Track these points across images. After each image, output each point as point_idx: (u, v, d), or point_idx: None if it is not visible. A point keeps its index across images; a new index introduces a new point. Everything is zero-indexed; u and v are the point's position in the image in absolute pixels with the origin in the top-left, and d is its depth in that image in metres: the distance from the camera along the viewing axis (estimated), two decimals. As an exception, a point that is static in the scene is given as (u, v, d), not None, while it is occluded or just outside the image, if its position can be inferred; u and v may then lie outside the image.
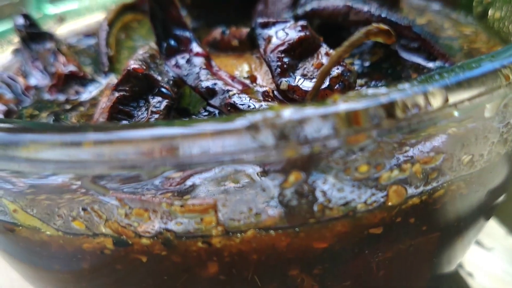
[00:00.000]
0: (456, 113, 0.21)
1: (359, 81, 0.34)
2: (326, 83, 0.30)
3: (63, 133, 0.20)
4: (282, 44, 0.33)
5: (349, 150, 0.21)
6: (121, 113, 0.31)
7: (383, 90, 0.20)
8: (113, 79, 0.37)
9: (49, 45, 0.42)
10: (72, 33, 0.51)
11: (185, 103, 0.34)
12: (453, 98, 0.20)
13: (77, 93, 0.37)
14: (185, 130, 0.19)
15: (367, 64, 0.37)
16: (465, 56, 0.37)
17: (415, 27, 0.37)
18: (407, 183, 0.23)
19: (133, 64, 0.32)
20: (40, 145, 0.19)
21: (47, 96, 0.38)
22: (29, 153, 0.20)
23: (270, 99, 0.31)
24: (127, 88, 0.32)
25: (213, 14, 0.47)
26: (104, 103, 0.32)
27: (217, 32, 0.39)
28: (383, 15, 0.37)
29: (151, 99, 0.32)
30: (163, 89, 0.32)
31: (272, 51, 0.33)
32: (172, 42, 0.35)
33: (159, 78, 0.33)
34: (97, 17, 0.54)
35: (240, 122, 0.19)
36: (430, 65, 0.35)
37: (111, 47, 0.43)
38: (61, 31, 0.51)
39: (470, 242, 0.37)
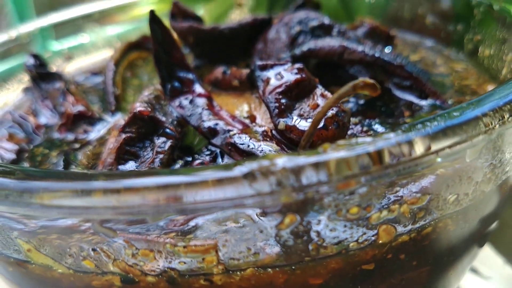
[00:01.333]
0: (439, 159, 0.22)
1: (353, 119, 0.35)
2: (322, 123, 0.32)
3: (74, 181, 0.22)
4: (279, 86, 0.34)
5: (340, 194, 0.23)
6: (127, 153, 0.33)
7: (369, 139, 0.21)
8: (120, 119, 0.39)
9: (58, 84, 0.44)
10: (79, 70, 0.53)
11: (189, 141, 0.36)
12: (435, 146, 0.21)
13: (86, 132, 0.39)
14: (188, 178, 0.21)
15: (361, 101, 0.38)
16: (456, 92, 0.39)
17: (407, 65, 0.39)
18: (396, 222, 0.25)
19: (139, 106, 0.34)
20: (53, 194, 0.21)
21: (56, 135, 0.40)
22: (42, 200, 0.22)
23: (268, 139, 0.33)
24: (133, 130, 0.33)
25: (214, 53, 0.48)
26: (112, 143, 0.34)
27: (218, 72, 0.41)
28: (376, 55, 0.39)
29: (156, 140, 0.33)
30: (167, 130, 0.34)
31: (270, 92, 0.34)
32: (176, 84, 0.37)
33: (164, 119, 0.35)
34: (103, 54, 0.56)
35: (239, 169, 0.21)
36: (423, 103, 0.37)
37: (117, 86, 0.45)
38: (69, 68, 0.53)
39: (464, 270, 0.38)
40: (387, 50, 0.46)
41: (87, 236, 0.25)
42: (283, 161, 0.21)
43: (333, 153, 0.21)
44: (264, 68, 0.36)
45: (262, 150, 0.31)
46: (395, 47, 0.46)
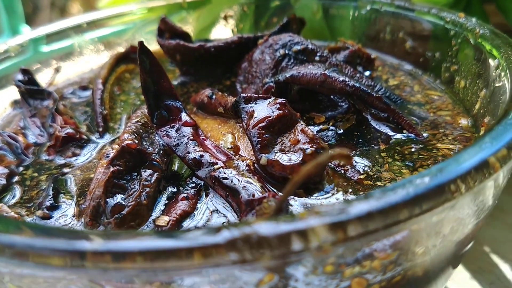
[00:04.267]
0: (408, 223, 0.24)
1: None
2: (300, 160, 0.34)
3: (68, 240, 0.23)
4: (262, 121, 0.36)
5: (318, 258, 0.25)
6: (115, 186, 0.34)
7: (342, 205, 0.23)
8: (107, 146, 0.40)
9: (47, 102, 0.45)
10: (67, 81, 0.53)
11: (174, 168, 0.38)
12: (404, 214, 0.23)
13: (74, 155, 0.40)
14: (176, 243, 0.22)
15: (340, 131, 0.40)
16: (431, 124, 0.40)
17: (386, 98, 0.41)
18: (367, 274, 0.27)
19: (126, 139, 0.35)
20: (48, 258, 0.23)
21: (45, 156, 0.41)
22: (36, 261, 0.23)
23: (251, 173, 0.34)
24: (121, 163, 0.35)
25: (200, 70, 0.49)
26: (100, 174, 0.35)
27: (204, 95, 0.43)
28: (356, 85, 0.40)
29: (143, 172, 0.35)
30: (154, 162, 0.35)
31: (254, 126, 0.36)
32: (163, 112, 0.39)
33: (150, 149, 0.36)
34: (91, 62, 0.57)
35: (223, 236, 0.22)
36: (398, 136, 0.39)
37: (105, 105, 0.46)
38: (57, 80, 0.54)
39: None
40: (367, 73, 0.47)
41: (74, 283, 0.27)
42: (265, 228, 0.22)
43: (311, 220, 0.22)
44: (248, 100, 0.38)
45: (244, 186, 0.33)
46: (375, 69, 0.48)
